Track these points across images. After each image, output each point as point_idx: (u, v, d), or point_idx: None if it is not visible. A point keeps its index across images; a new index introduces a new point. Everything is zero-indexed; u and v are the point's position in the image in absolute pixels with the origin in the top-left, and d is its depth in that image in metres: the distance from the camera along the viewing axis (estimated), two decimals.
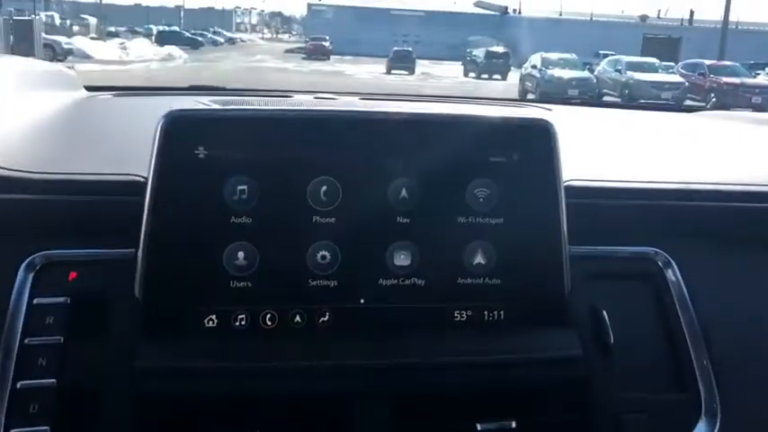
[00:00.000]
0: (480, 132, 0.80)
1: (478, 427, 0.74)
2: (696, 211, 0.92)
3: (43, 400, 0.69)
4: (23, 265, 0.77)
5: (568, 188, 0.82)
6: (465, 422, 0.74)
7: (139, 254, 0.74)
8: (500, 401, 0.77)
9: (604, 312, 0.82)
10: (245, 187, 0.75)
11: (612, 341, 0.80)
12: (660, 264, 0.90)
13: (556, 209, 0.80)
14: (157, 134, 0.74)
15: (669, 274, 0.89)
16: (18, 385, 0.70)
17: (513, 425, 0.74)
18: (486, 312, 0.79)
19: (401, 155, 0.78)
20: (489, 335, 0.78)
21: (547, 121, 0.81)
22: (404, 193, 0.77)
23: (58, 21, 37.99)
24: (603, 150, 1.19)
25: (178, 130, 0.74)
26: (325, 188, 0.76)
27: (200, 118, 0.76)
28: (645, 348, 0.86)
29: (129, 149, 0.85)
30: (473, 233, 0.79)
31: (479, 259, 0.79)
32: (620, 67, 22.11)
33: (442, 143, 0.79)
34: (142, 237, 0.74)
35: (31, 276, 0.76)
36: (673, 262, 0.89)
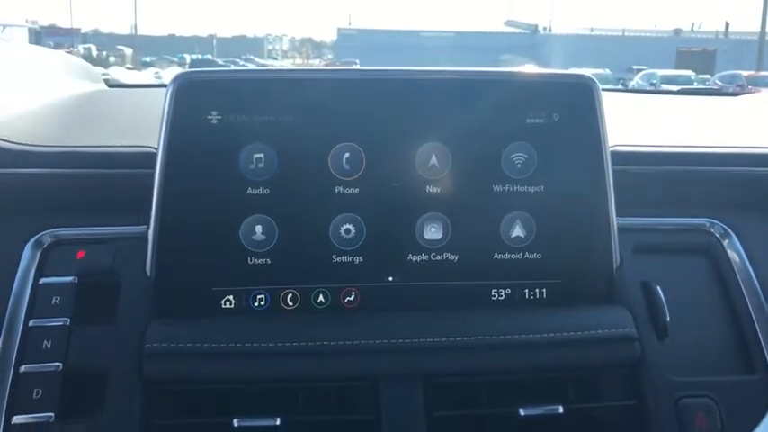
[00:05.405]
0: (516, 92, 0.74)
1: (521, 412, 0.67)
2: (756, 179, 0.85)
3: (47, 384, 0.64)
4: (30, 243, 0.72)
5: (614, 154, 0.76)
6: (506, 407, 0.67)
7: (150, 229, 0.69)
8: (544, 385, 0.69)
9: (659, 288, 0.74)
10: (261, 155, 0.70)
11: (669, 319, 0.72)
12: (717, 235, 0.82)
13: (601, 175, 0.73)
14: (167, 99, 0.69)
15: (728, 246, 0.81)
16: (21, 369, 0.65)
17: (560, 410, 0.67)
18: (526, 290, 0.72)
19: (430, 118, 0.72)
20: (530, 313, 0.71)
21: (590, 78, 0.75)
22: (434, 160, 0.71)
23: (95, 53, 38.88)
24: (649, 120, 1.12)
25: (189, 93, 0.70)
26: (347, 155, 0.70)
27: (213, 80, 0.71)
28: (705, 327, 0.78)
29: (144, 126, 0.80)
30: (510, 203, 0.72)
31: (518, 232, 0.72)
32: (654, 81, 21.80)
33: (475, 104, 0.73)
34: (153, 210, 0.69)
35: (37, 255, 0.72)
36: (732, 233, 0.82)
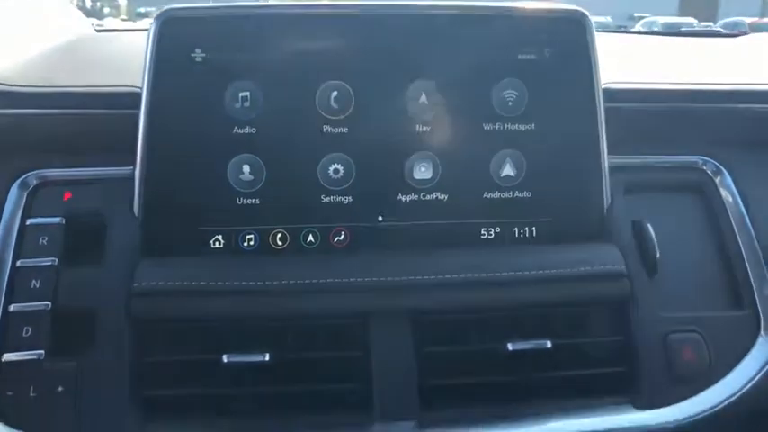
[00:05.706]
0: (507, 26, 0.72)
1: (509, 346, 0.67)
2: (749, 116, 0.83)
3: (37, 323, 0.65)
4: (16, 184, 0.72)
5: (606, 91, 0.74)
6: (495, 342, 0.68)
7: (137, 170, 0.69)
8: (533, 320, 0.70)
9: (649, 225, 0.74)
10: (247, 94, 0.68)
11: (659, 256, 0.72)
12: (710, 173, 0.81)
13: (593, 113, 0.72)
14: (150, 37, 0.68)
15: (720, 184, 0.81)
16: (10, 308, 0.65)
17: (548, 345, 0.68)
18: (516, 229, 0.72)
19: (419, 55, 0.70)
20: (520, 252, 0.71)
21: (582, 12, 0.73)
22: (423, 98, 0.70)
23: (89, 3, 38.36)
24: (643, 59, 1.10)
25: (172, 31, 0.68)
26: (335, 94, 0.69)
27: (197, 17, 0.69)
28: (695, 264, 0.78)
29: (131, 67, 0.79)
30: (501, 141, 0.72)
31: (508, 171, 0.72)
32: (656, 29, 21.46)
33: (465, 40, 0.71)
34: (139, 150, 0.68)
35: (24, 196, 0.72)
36: (724, 171, 0.81)
